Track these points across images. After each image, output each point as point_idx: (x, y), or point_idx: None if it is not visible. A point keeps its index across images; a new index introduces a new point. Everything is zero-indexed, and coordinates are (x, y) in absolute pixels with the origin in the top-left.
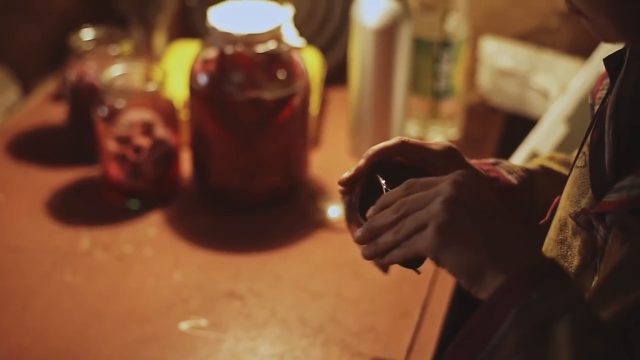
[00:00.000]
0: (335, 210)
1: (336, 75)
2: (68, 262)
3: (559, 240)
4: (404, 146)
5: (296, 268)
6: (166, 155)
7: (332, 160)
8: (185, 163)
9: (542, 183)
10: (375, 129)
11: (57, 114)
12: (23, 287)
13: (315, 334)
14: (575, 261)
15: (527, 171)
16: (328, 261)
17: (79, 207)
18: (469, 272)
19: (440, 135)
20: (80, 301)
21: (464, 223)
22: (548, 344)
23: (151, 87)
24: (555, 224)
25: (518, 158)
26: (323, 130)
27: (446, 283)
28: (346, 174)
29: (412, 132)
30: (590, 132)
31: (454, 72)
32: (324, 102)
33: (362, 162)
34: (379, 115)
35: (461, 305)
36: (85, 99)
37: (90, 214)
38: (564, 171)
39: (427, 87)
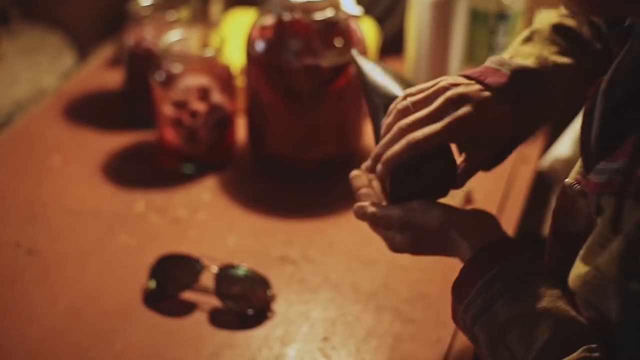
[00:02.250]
0: None
1: (391, 45)
2: (123, 225)
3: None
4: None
5: (349, 236)
6: (222, 120)
7: None
8: (241, 129)
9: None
10: None
11: (114, 79)
12: (79, 250)
13: (367, 300)
14: (582, 221)
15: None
16: None
17: (135, 171)
18: None
19: None
20: (135, 264)
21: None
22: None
23: (208, 53)
24: None
25: (566, 139)
26: None
27: None
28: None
29: None
30: (586, 101)
31: (509, 43)
32: None
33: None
34: None
35: None
36: (142, 64)
37: (146, 178)
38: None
39: (483, 59)
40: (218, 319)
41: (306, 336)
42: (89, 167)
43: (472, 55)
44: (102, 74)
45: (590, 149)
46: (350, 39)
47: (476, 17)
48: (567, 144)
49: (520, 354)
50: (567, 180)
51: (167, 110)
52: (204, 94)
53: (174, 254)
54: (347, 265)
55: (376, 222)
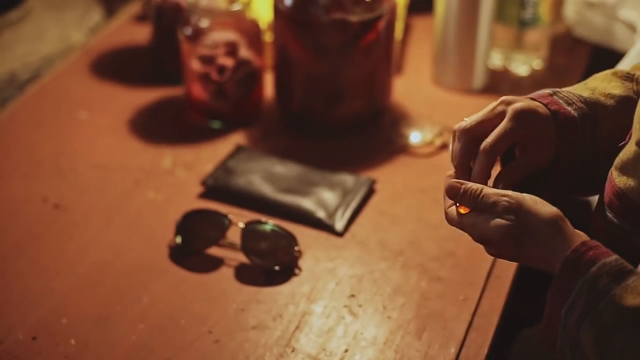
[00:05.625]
0: (416, 136)
1: (420, 2)
2: (150, 180)
3: (631, 162)
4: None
5: (377, 193)
6: (249, 76)
7: (415, 88)
8: (268, 85)
9: (604, 112)
10: (459, 57)
11: (141, 34)
12: (106, 204)
13: (394, 257)
14: None
15: (587, 102)
16: (409, 187)
17: (162, 127)
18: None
19: (524, 66)
20: (162, 219)
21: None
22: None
23: (236, 8)
24: (631, 148)
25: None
26: (406, 57)
27: None
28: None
29: (496, 61)
30: None
31: (541, 1)
32: (407, 29)
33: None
34: (464, 43)
35: None
36: (170, 19)
37: (173, 134)
38: (627, 88)
39: (513, 16)
40: (244, 275)
41: (333, 293)
42: (116, 122)
43: (502, 12)
44: (129, 29)
45: None
46: None
47: None
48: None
49: (632, 352)
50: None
51: (195, 65)
52: (231, 49)
53: (200, 210)
54: (375, 222)
55: (477, 200)
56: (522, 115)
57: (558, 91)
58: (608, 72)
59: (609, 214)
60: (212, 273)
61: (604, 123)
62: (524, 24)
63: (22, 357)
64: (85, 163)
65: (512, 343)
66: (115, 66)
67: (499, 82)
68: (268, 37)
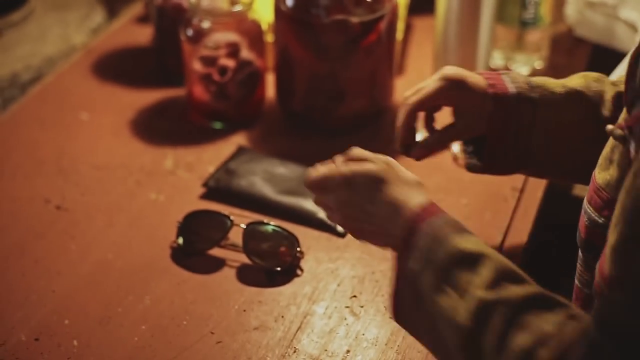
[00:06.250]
0: (418, 137)
1: (420, 2)
2: (152, 181)
3: (607, 156)
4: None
5: None
6: (251, 76)
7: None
8: (270, 86)
9: (546, 97)
10: (460, 57)
11: (143, 35)
12: (107, 204)
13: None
14: (615, 174)
15: (530, 84)
16: None
17: (163, 127)
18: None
19: (525, 66)
20: (163, 219)
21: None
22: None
23: (237, 9)
24: (609, 142)
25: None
26: (407, 57)
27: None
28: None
29: (497, 61)
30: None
31: (542, 1)
32: (408, 29)
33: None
34: (465, 43)
35: None
36: (171, 20)
37: (174, 134)
38: (588, 86)
39: (515, 16)
40: (246, 276)
41: (334, 294)
42: (118, 123)
43: (503, 12)
44: (131, 30)
45: (635, 87)
46: None
47: None
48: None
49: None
50: (608, 125)
51: (196, 66)
52: (233, 49)
53: (202, 210)
54: None
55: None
56: (450, 79)
57: (510, 72)
58: (587, 72)
59: (589, 211)
60: (214, 274)
61: (545, 108)
62: (525, 24)
63: (24, 358)
64: (87, 163)
65: None
66: (117, 67)
67: None
68: (269, 38)
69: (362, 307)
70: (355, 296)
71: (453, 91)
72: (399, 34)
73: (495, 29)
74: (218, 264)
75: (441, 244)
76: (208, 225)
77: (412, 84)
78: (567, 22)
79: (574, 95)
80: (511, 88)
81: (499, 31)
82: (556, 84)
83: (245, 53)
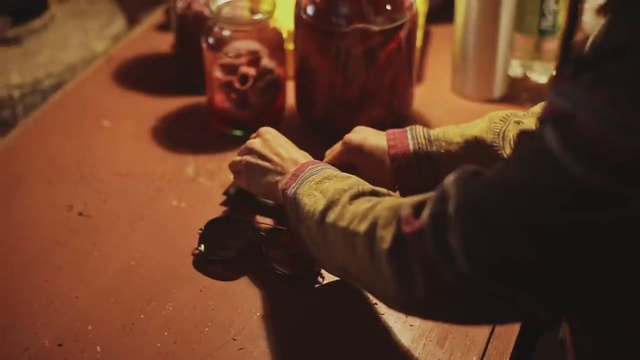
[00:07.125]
0: None
1: (440, 11)
2: (173, 188)
3: None
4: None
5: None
6: (272, 84)
7: (435, 96)
8: (290, 94)
9: (442, 152)
10: (478, 66)
11: (164, 43)
12: (129, 211)
13: None
14: None
15: (429, 140)
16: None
17: (185, 135)
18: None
19: (544, 75)
20: (185, 227)
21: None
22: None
23: (258, 17)
24: None
25: None
26: (425, 65)
27: None
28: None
29: (515, 70)
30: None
31: (560, 10)
32: (426, 37)
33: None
34: (483, 52)
35: None
36: (192, 28)
37: (196, 142)
38: (490, 129)
39: (533, 25)
40: (267, 283)
41: (355, 301)
42: (139, 130)
43: (522, 21)
44: (152, 38)
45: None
46: (401, 3)
47: None
48: None
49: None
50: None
51: (217, 74)
52: (254, 58)
53: (223, 217)
54: None
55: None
56: (348, 144)
57: (416, 127)
58: (495, 112)
59: None
60: (235, 281)
61: (444, 161)
62: (543, 33)
63: None
64: (108, 171)
65: (534, 350)
66: (138, 74)
67: (519, 91)
68: (290, 46)
69: (382, 314)
70: (376, 303)
71: (353, 155)
72: (418, 42)
73: (514, 37)
74: (239, 271)
75: (321, 169)
76: (229, 233)
77: (431, 92)
78: (584, 30)
79: (472, 144)
80: (410, 146)
81: (517, 40)
82: (455, 134)
83: (266, 61)
